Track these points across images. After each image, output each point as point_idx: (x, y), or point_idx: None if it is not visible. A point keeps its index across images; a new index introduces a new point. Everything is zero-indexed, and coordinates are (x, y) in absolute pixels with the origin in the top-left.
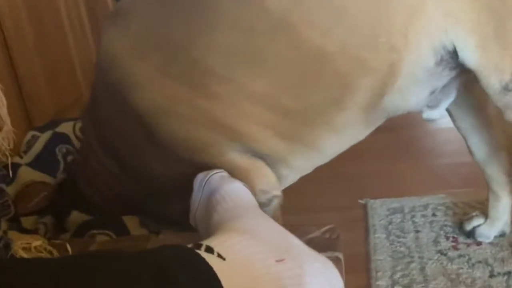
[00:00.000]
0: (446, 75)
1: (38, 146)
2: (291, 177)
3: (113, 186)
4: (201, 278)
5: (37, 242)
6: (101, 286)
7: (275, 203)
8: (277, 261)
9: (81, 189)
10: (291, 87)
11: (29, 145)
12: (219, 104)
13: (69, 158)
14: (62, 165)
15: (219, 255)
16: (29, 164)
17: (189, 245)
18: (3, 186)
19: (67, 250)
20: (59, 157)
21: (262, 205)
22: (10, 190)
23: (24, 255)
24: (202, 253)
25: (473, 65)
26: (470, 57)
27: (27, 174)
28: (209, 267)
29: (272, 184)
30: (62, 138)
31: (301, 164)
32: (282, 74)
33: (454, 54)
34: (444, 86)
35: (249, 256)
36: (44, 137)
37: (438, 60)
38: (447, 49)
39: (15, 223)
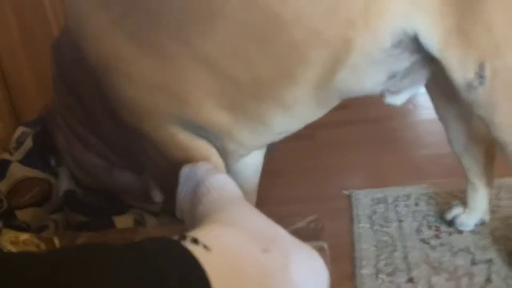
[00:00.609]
0: (405, 59)
1: (28, 143)
2: (241, 151)
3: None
4: (186, 270)
5: (24, 235)
6: (87, 280)
7: None
8: (262, 251)
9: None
10: (242, 53)
11: (20, 142)
12: (166, 65)
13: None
14: (53, 162)
15: (205, 246)
16: (21, 161)
17: (175, 237)
18: None
19: (55, 244)
20: (49, 157)
21: None
22: (2, 186)
23: (12, 248)
24: (188, 244)
25: (437, 57)
26: (433, 48)
27: (18, 170)
28: (194, 259)
29: (214, 164)
30: None
31: (249, 139)
32: (233, 38)
33: (414, 39)
34: (408, 73)
35: (234, 246)
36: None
37: (396, 42)
38: (407, 33)
39: (9, 218)
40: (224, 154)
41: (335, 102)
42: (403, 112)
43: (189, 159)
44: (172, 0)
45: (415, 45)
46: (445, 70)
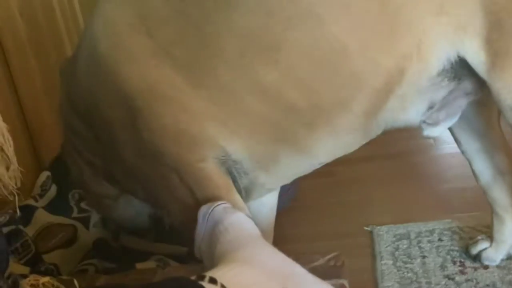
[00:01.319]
0: (445, 86)
1: (52, 191)
2: (270, 185)
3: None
4: None
5: (44, 278)
6: None
7: None
8: None
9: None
10: (303, 82)
11: (44, 189)
12: (220, 95)
13: (82, 204)
14: (75, 210)
15: (223, 286)
16: (45, 208)
17: (193, 277)
18: (21, 227)
19: (75, 286)
20: (72, 203)
21: None
22: (29, 231)
23: None
24: (206, 284)
25: (486, 80)
26: (481, 71)
27: (44, 217)
28: None
29: (244, 208)
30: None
31: (284, 172)
32: (296, 67)
33: (455, 65)
34: (446, 104)
35: (252, 286)
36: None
37: (440, 70)
38: (450, 60)
39: (36, 263)
40: (250, 188)
41: (378, 133)
42: (424, 147)
43: (216, 198)
44: (232, 28)
45: (454, 71)
46: (493, 93)
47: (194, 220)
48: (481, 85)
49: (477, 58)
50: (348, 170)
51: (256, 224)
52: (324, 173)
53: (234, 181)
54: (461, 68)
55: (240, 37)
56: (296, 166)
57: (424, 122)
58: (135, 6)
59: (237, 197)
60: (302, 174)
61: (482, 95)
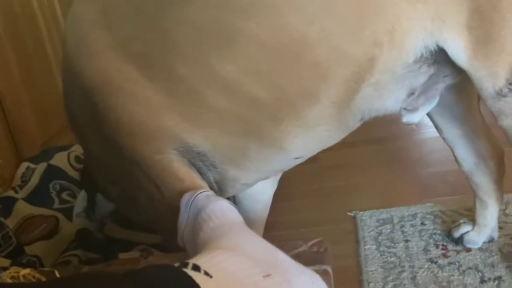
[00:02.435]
0: (424, 73)
1: (33, 182)
2: (244, 180)
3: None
4: None
5: (25, 270)
6: None
7: None
8: (264, 276)
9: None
10: (262, 74)
11: (24, 179)
12: (177, 88)
13: (63, 194)
14: (57, 201)
15: (206, 273)
16: (26, 199)
17: (176, 264)
18: (1, 219)
19: (56, 277)
20: (53, 194)
21: None
22: (10, 222)
23: None
24: (189, 271)
25: (465, 68)
26: (461, 60)
27: (25, 209)
28: (196, 286)
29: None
30: (56, 173)
31: (256, 166)
32: (254, 59)
33: (434, 52)
34: (424, 89)
35: (236, 272)
36: (39, 170)
37: (418, 58)
38: (428, 48)
39: (18, 255)
40: (222, 183)
41: (356, 124)
42: (406, 132)
43: (179, 189)
44: (187, 21)
45: (434, 58)
46: (474, 81)
47: (162, 213)
48: (459, 68)
49: (457, 48)
50: (331, 156)
51: (249, 221)
52: (307, 159)
53: (202, 174)
54: (441, 55)
55: (195, 30)
56: (270, 161)
57: (403, 109)
58: (99, 2)
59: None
60: (282, 170)
61: (461, 80)
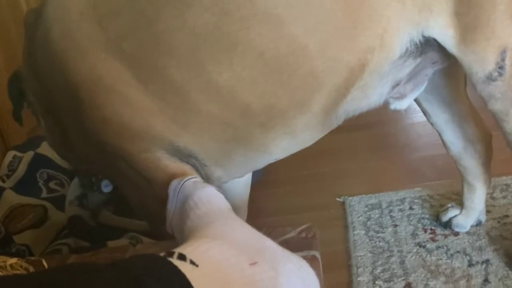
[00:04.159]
0: (409, 65)
1: (20, 171)
2: (226, 178)
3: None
4: (174, 286)
5: (12, 260)
6: None
7: None
8: (250, 264)
9: None
10: (258, 83)
11: (11, 169)
12: (168, 92)
13: (51, 183)
14: (44, 191)
15: (192, 262)
16: (13, 189)
17: (162, 254)
18: None
19: (44, 267)
20: (40, 183)
21: None
22: None
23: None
24: (175, 260)
25: (455, 54)
26: (450, 46)
27: (12, 198)
28: (182, 275)
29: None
30: (43, 161)
31: (238, 168)
32: (251, 68)
33: (420, 44)
34: (413, 76)
35: (222, 261)
36: (26, 159)
37: (403, 53)
38: (414, 41)
39: (7, 244)
40: (207, 181)
41: (338, 123)
42: (394, 116)
43: (170, 180)
44: (185, 26)
45: (419, 50)
46: (463, 66)
47: (151, 204)
48: (447, 53)
49: (445, 35)
50: (319, 141)
51: (231, 201)
52: None
53: (196, 170)
54: (426, 45)
55: (192, 36)
56: (250, 162)
57: (390, 97)
58: None
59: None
60: (256, 169)
61: (449, 65)
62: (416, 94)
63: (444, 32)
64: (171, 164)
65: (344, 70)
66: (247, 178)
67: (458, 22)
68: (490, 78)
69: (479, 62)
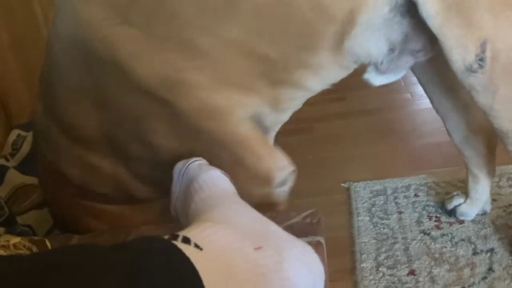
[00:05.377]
0: (398, 22)
1: (24, 150)
2: (280, 123)
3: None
4: (178, 270)
5: (15, 239)
6: (73, 283)
7: (291, 180)
8: (255, 248)
9: None
10: (266, 33)
11: (16, 147)
12: (211, 61)
13: None
14: None
15: (196, 246)
16: (17, 168)
17: (166, 236)
18: None
19: (47, 246)
20: None
21: (283, 183)
22: (1, 191)
23: (3, 253)
24: (179, 244)
25: (436, 34)
26: (432, 23)
27: (16, 178)
28: (186, 258)
29: (285, 159)
30: None
31: (289, 106)
32: (255, 19)
33: (407, 1)
34: (399, 56)
35: (226, 245)
36: (30, 139)
37: (392, 6)
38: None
39: (11, 225)
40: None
41: (354, 65)
42: (400, 102)
43: (263, 157)
44: None
45: (407, 4)
46: (444, 51)
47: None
48: (432, 43)
49: (429, 12)
50: (325, 126)
51: None
52: (301, 129)
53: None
54: (412, 5)
55: (197, 2)
56: (300, 99)
57: (375, 65)
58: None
59: (279, 153)
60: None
61: (434, 56)
62: (393, 78)
63: (428, 8)
64: (257, 133)
65: (333, 18)
66: None
67: (442, 2)
68: (470, 70)
69: (459, 49)
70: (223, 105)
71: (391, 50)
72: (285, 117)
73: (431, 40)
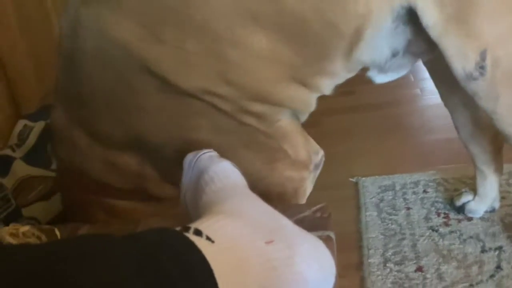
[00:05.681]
0: (401, 31)
1: (30, 141)
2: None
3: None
4: (189, 262)
5: (24, 227)
6: (85, 272)
7: (322, 164)
8: (266, 242)
9: None
10: (289, 44)
11: (22, 138)
12: (249, 73)
13: None
14: (54, 163)
15: (208, 238)
16: (23, 159)
17: (177, 228)
18: (0, 180)
19: (56, 235)
20: (50, 155)
21: (317, 167)
22: (7, 182)
23: (12, 240)
24: (191, 236)
25: (437, 42)
26: (432, 33)
27: (22, 169)
28: (197, 251)
29: (316, 145)
30: None
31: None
32: (279, 33)
33: (409, 10)
34: (404, 53)
35: (237, 238)
36: (36, 129)
37: (394, 17)
38: (404, 8)
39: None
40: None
41: (359, 69)
42: (410, 97)
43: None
44: (211, 9)
45: (409, 16)
46: (445, 59)
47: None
48: (434, 46)
49: (429, 22)
50: (334, 120)
51: None
52: (309, 123)
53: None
54: (413, 14)
55: (224, 16)
56: (310, 101)
57: (378, 65)
58: (126, 18)
59: (311, 139)
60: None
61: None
62: (395, 76)
63: (428, 19)
64: (296, 123)
65: (341, 33)
66: None
67: (441, 13)
68: (470, 77)
69: (459, 57)
70: (269, 95)
71: (394, 55)
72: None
73: (433, 44)
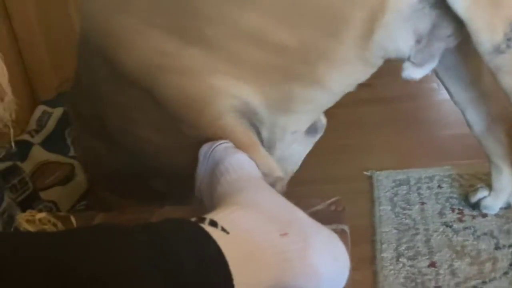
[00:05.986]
0: (427, 14)
1: (49, 127)
2: (290, 128)
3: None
4: (205, 252)
5: (41, 214)
6: (99, 262)
7: (278, 187)
8: (281, 235)
9: None
10: (285, 19)
11: (40, 124)
12: (212, 50)
13: None
14: (72, 149)
15: (223, 229)
16: (42, 145)
17: (193, 219)
18: (18, 163)
19: (72, 222)
20: (68, 141)
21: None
22: (25, 167)
23: (28, 227)
24: (206, 227)
25: (463, 17)
26: (459, 8)
27: (40, 154)
28: (213, 241)
29: (272, 164)
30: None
31: (302, 108)
32: (274, 6)
33: None
34: (429, 44)
35: (252, 230)
36: (55, 115)
37: None
38: None
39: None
40: (271, 138)
41: (380, 61)
42: (426, 91)
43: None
44: None
45: None
46: (471, 33)
47: None
48: (460, 28)
49: None
50: (349, 112)
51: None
52: (323, 115)
53: (258, 134)
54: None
55: None
56: (314, 99)
57: (409, 60)
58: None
59: (264, 152)
60: (326, 106)
61: (467, 42)
62: (431, 66)
63: None
64: (242, 131)
65: (363, 5)
66: (306, 149)
67: None
68: (497, 50)
69: (487, 30)
70: (207, 94)
71: (418, 41)
72: (285, 120)
73: (459, 25)
